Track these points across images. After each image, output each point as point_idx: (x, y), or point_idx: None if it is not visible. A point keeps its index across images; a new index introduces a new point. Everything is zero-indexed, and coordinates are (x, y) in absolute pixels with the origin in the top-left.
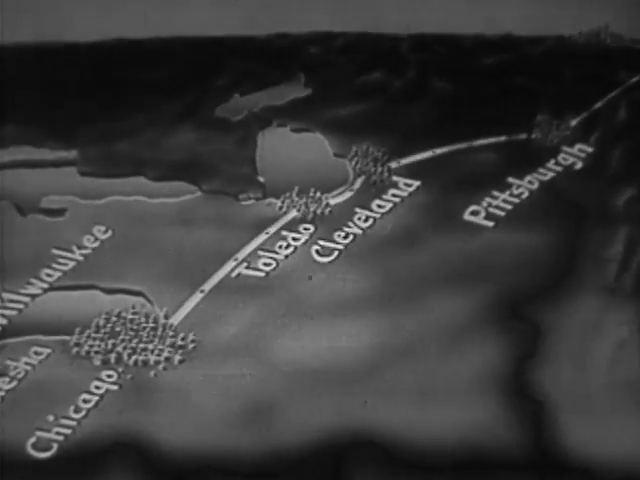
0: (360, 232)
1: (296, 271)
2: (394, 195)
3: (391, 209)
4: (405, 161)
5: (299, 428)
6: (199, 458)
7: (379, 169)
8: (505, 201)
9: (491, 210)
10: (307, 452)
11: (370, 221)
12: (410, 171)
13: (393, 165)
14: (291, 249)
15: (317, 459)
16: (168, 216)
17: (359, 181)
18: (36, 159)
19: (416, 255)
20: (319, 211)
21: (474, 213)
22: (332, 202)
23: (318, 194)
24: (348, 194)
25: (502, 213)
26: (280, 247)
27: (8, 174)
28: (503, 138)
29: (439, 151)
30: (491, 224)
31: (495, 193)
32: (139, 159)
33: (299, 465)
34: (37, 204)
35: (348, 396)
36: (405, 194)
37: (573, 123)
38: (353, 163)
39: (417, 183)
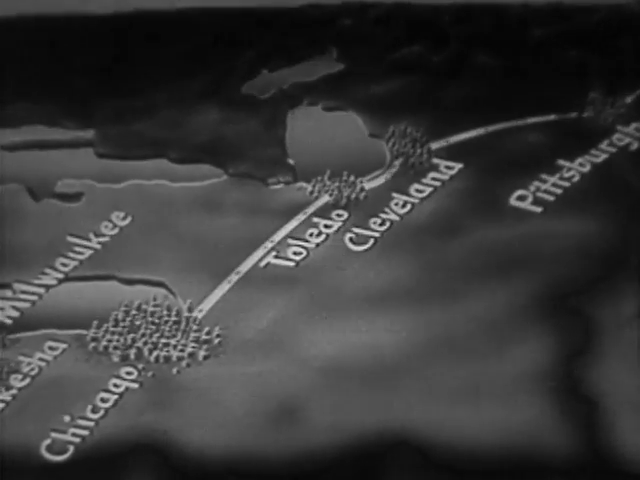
0: (397, 219)
1: (328, 261)
2: (434, 179)
3: (431, 194)
4: (446, 142)
5: (331, 429)
6: (224, 462)
7: (418, 151)
8: (554, 185)
9: (539, 195)
10: (339, 455)
11: (408, 207)
12: (451, 153)
13: (433, 146)
14: (323, 237)
15: (350, 463)
16: (192, 201)
17: (396, 164)
18: (50, 139)
19: (457, 244)
20: (353, 196)
21: (521, 198)
22: (367, 186)
23: (352, 178)
24: (384, 178)
25: (551, 198)
26: (311, 235)
27: (20, 156)
28: (552, 117)
29: (483, 131)
30: (539, 210)
31: (544, 176)
32: (160, 140)
33: (331, 470)
34: (51, 188)
35: (383, 395)
36: (446, 177)
37: (629, 100)
38: (390, 144)
39: (459, 166)
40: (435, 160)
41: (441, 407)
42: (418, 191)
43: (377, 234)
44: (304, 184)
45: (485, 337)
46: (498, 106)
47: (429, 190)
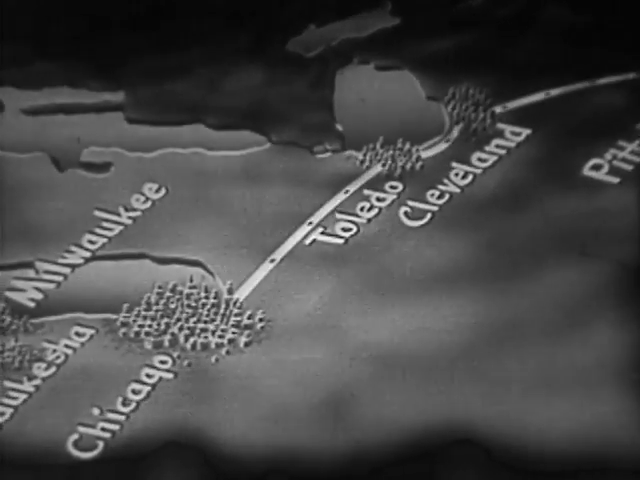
0: (457, 191)
1: (381, 238)
2: (498, 146)
3: (495, 163)
4: (512, 105)
5: (384, 425)
6: (266, 460)
7: (481, 115)
8: (633, 152)
9: (616, 164)
10: (394, 453)
11: (469, 178)
12: (518, 117)
13: (498, 110)
14: (375, 211)
15: (405, 463)
16: (231, 172)
17: (457, 130)
18: (75, 103)
19: (525, 218)
20: (408, 166)
21: (595, 167)
22: (424, 155)
23: (407, 146)
24: (443, 145)
25: (629, 167)
26: (362, 209)
27: (43, 121)
28: (631, 76)
29: (553, 92)
30: (616, 180)
31: (621, 143)
32: (197, 103)
33: (384, 470)
34: (77, 157)
35: (442, 387)
36: (512, 145)
37: None
38: (450, 108)
39: (526, 132)
40: (500, 125)
41: (507, 401)
42: (481, 160)
43: (435, 208)
44: (354, 153)
45: (557, 322)
46: (571, 65)
47: (493, 159)
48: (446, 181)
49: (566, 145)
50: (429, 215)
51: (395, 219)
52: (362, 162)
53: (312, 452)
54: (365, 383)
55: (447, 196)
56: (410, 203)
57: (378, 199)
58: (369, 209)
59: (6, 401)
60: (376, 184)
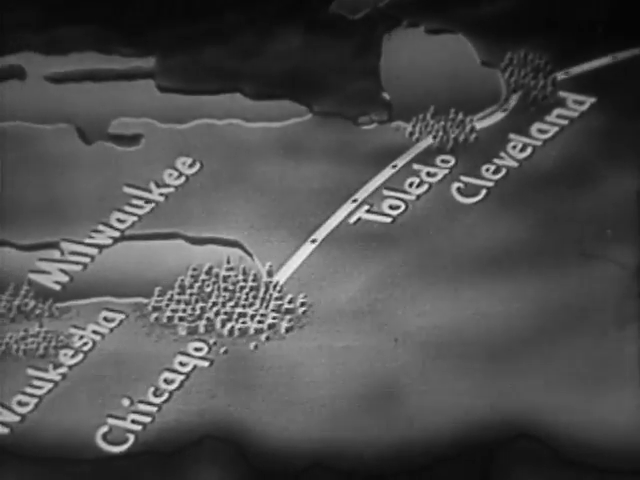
0: (515, 165)
1: (431, 216)
2: (560, 116)
3: (556, 134)
4: (575, 71)
5: (436, 416)
6: (310, 453)
7: (541, 82)
8: None
9: None
10: (446, 446)
11: (528, 150)
12: (581, 84)
13: (559, 76)
14: (425, 187)
15: (459, 456)
16: (270, 145)
17: (514, 98)
18: (103, 69)
19: (588, 195)
20: (462, 138)
21: None
22: (479, 126)
23: (460, 116)
24: (500, 115)
25: None
26: (411, 185)
27: (68, 89)
28: None
29: (621, 56)
30: None
31: None
32: (233, 71)
33: (436, 464)
34: (105, 128)
35: (498, 377)
36: (574, 114)
37: None
38: (507, 74)
39: (590, 100)
40: (561, 93)
41: (567, 391)
42: (540, 131)
43: (490, 183)
44: (402, 124)
45: (625, 307)
46: None
47: (554, 130)
48: (502, 154)
49: (634, 115)
50: (484, 191)
51: (447, 196)
52: (411, 134)
53: (358, 446)
54: (415, 372)
55: (503, 171)
56: (463, 178)
57: (428, 174)
58: (418, 185)
59: (30, 390)
60: (426, 158)
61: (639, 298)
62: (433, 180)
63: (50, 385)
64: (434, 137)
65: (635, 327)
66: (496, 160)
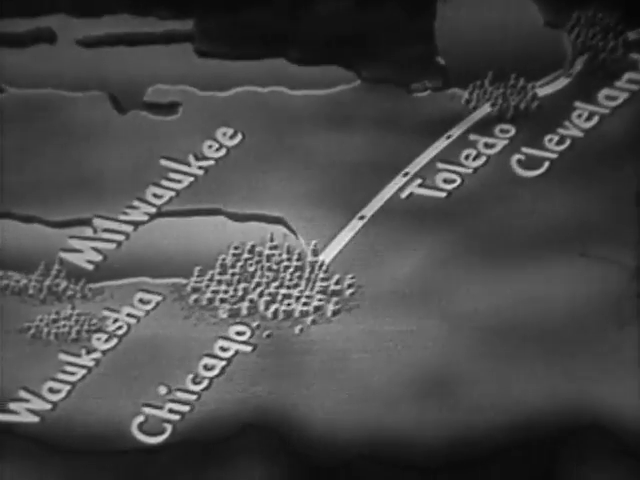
0: (580, 135)
1: (489, 190)
2: (631, 81)
3: (626, 102)
4: None
5: (493, 406)
6: (357, 444)
7: (610, 43)
8: None
9: None
10: (505, 440)
11: (595, 119)
12: None
13: (631, 37)
14: (482, 160)
15: (517, 448)
16: (316, 114)
17: (581, 62)
18: (138, 33)
19: None
20: (522, 106)
21: None
22: (541, 93)
23: (521, 82)
24: (564, 81)
25: None
26: (467, 157)
27: (101, 54)
28: None
29: None
30: None
31: None
32: (277, 34)
33: (494, 457)
34: (140, 96)
35: (559, 363)
36: None
37: None
38: (573, 36)
39: None
40: (633, 55)
41: (635, 379)
42: (609, 98)
43: (553, 155)
44: (458, 91)
45: None
46: None
47: (623, 97)
48: (567, 124)
49: None
50: (546, 164)
51: (506, 169)
52: (468, 102)
53: (408, 437)
54: (470, 358)
55: (568, 141)
56: (524, 150)
57: (486, 145)
58: (475, 157)
59: (62, 376)
60: (484, 128)
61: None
62: (491, 152)
63: (83, 371)
64: (493, 105)
65: None
66: (560, 130)
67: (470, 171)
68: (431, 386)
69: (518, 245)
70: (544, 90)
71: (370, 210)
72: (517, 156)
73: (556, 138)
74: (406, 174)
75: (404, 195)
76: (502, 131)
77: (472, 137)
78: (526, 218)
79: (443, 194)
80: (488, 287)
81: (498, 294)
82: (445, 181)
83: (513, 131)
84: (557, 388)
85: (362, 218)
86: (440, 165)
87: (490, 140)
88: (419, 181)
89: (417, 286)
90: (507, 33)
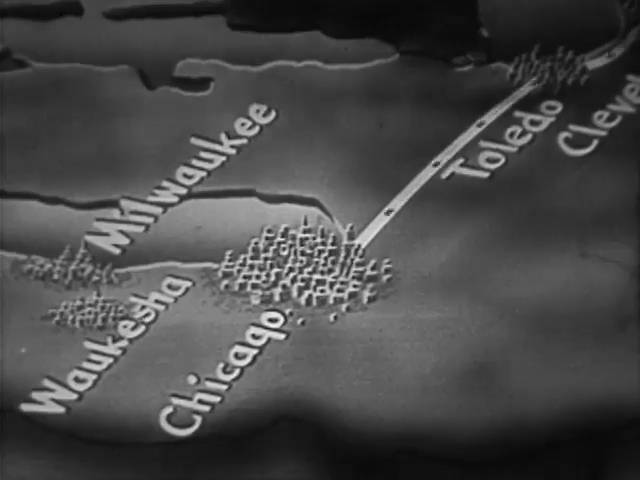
0: (632, 111)
1: (535, 170)
2: None
3: None
4: None
5: (539, 397)
6: (396, 438)
7: None
8: None
9: None
10: (552, 432)
11: None
12: None
13: None
14: (528, 138)
15: (568, 443)
16: (353, 90)
17: (634, 33)
18: (168, 5)
19: None
20: (571, 80)
21: None
22: (591, 66)
23: (570, 55)
24: (616, 53)
25: None
26: (512, 135)
27: (129, 27)
28: None
29: None
30: None
31: None
32: (312, 5)
33: (540, 451)
34: (169, 71)
35: (611, 353)
36: None
37: None
38: (626, 4)
39: None
40: None
41: None
42: None
43: (603, 133)
44: (503, 65)
45: None
46: None
47: None
48: (618, 99)
49: None
50: (595, 142)
51: (553, 147)
52: (513, 76)
53: (450, 430)
54: (516, 348)
55: (619, 118)
56: (572, 127)
57: (532, 122)
58: (521, 135)
59: (87, 365)
60: (530, 104)
61: None
62: (537, 129)
63: (109, 360)
64: (539, 80)
65: None
66: (610, 106)
67: (515, 150)
68: (473, 376)
69: (566, 227)
70: (594, 63)
71: (410, 191)
72: (564, 134)
73: (606, 114)
74: (448, 153)
75: (445, 175)
76: (549, 107)
77: (517, 114)
78: (573, 198)
79: (486, 174)
80: (534, 272)
81: (545, 279)
82: (488, 160)
83: (560, 107)
84: (607, 379)
85: (402, 200)
86: (483, 143)
87: (536, 117)
88: (461, 160)
89: (458, 271)
90: (555, 3)
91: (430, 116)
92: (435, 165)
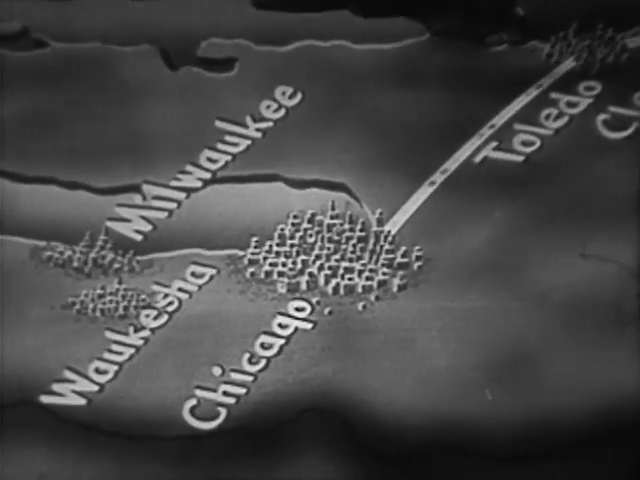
0: None
1: (572, 154)
2: None
3: None
4: None
5: (573, 389)
6: (427, 431)
7: None
8: None
9: None
10: (585, 426)
11: None
12: None
13: None
14: (564, 120)
15: (602, 437)
16: (382, 70)
17: None
18: None
19: None
20: (610, 59)
21: None
22: (631, 44)
23: (609, 32)
24: None
25: None
26: (547, 117)
27: (152, 6)
28: None
29: None
30: None
31: None
32: None
33: (572, 445)
34: (193, 51)
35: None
36: None
37: None
38: None
39: None
40: None
41: None
42: None
43: None
44: (539, 44)
45: None
46: None
47: None
48: None
49: None
50: (635, 124)
51: (591, 130)
52: (549, 56)
53: (481, 422)
54: (549, 338)
55: None
56: (611, 109)
57: (569, 104)
58: (557, 117)
59: (108, 356)
60: (567, 84)
61: None
62: (574, 111)
63: (131, 351)
64: (577, 59)
65: None
66: None
67: (551, 133)
68: (506, 368)
69: (603, 213)
70: (635, 41)
71: (441, 176)
72: (603, 116)
73: None
74: (481, 135)
75: (478, 159)
76: (587, 88)
77: (553, 95)
78: (612, 183)
79: (521, 158)
80: (569, 259)
81: (580, 267)
82: (523, 144)
83: (599, 88)
84: None
85: (432, 184)
86: (518, 126)
87: (573, 98)
88: (494, 144)
89: (490, 259)
90: None
91: (462, 98)
92: (467, 148)
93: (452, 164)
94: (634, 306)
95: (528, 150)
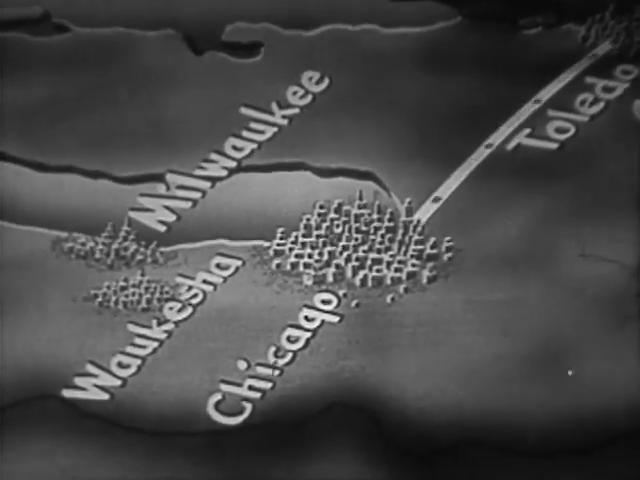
0: None
1: (607, 141)
2: None
3: None
4: None
5: (614, 386)
6: (457, 427)
7: None
8: None
9: None
10: (626, 423)
11: None
12: None
13: None
14: (600, 105)
15: None
16: (412, 55)
17: None
18: None
19: None
20: None
21: None
22: None
23: None
24: None
25: None
26: (582, 103)
27: None
28: None
29: None
30: None
31: None
32: None
33: (612, 442)
34: (217, 35)
35: None
36: None
37: None
38: None
39: None
40: None
41: None
42: None
43: None
44: (574, 26)
45: None
46: None
47: None
48: None
49: None
50: None
51: (628, 116)
52: (585, 39)
53: (516, 419)
54: (588, 332)
55: None
56: None
57: (605, 89)
58: (592, 103)
59: (131, 350)
60: (603, 69)
61: None
62: (611, 96)
63: (154, 344)
64: (614, 42)
65: None
66: None
67: (586, 119)
68: (540, 362)
69: (638, 203)
70: None
71: (473, 163)
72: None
73: None
74: (513, 122)
75: (511, 146)
76: (624, 72)
77: (589, 80)
78: None
79: (555, 145)
80: (606, 250)
81: (615, 257)
82: (557, 130)
83: (636, 72)
84: None
85: (463, 172)
86: (552, 112)
87: (610, 83)
88: (528, 130)
89: (524, 249)
90: None
91: (495, 83)
92: (499, 135)
93: (483, 151)
94: None
95: (563, 137)
